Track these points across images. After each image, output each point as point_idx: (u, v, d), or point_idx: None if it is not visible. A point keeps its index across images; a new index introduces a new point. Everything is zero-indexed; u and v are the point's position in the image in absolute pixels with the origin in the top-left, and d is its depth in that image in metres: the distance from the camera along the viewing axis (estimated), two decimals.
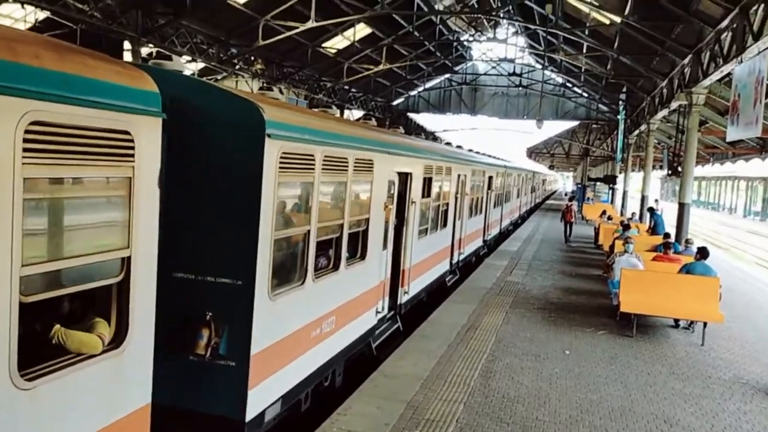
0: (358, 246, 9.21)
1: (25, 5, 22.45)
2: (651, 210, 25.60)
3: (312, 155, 7.11)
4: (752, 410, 8.79)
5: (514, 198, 33.94)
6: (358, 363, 9.97)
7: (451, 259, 16.83)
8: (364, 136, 9.31)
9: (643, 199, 31.15)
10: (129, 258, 4.46)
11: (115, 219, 4.49)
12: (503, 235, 28.97)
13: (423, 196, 12.68)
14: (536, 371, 9.71)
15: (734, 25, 15.07)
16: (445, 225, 15.38)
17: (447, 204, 15.40)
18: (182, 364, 5.94)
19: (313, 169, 7.20)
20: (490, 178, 23.19)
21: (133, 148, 4.42)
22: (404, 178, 11.40)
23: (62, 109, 3.81)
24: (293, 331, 7.06)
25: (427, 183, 12.96)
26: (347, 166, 8.26)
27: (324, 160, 7.38)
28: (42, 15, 25.18)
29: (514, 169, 33.85)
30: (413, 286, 12.58)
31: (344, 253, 8.46)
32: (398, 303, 11.82)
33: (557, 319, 13.20)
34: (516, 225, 35.47)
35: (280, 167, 6.31)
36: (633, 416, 8.19)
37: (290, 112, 7.11)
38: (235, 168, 6.09)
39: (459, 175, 16.52)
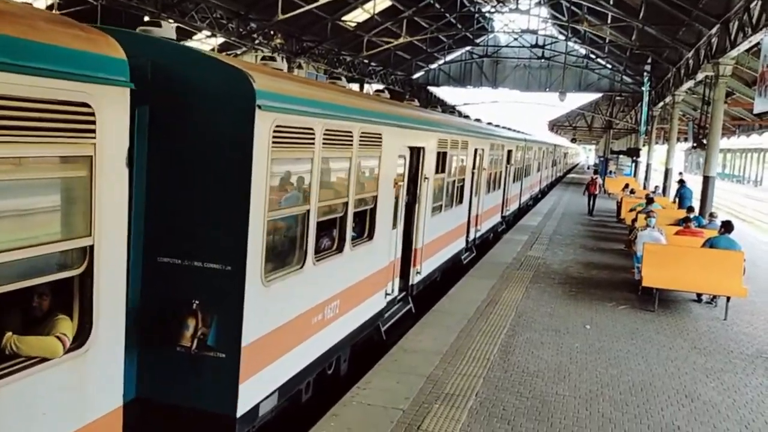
0: (365, 225, 8.75)
1: None
2: (681, 182, 25.13)
3: (311, 129, 6.59)
4: None
5: (534, 172, 33.01)
6: (368, 346, 9.77)
7: (467, 236, 16.33)
8: (371, 109, 8.78)
9: (667, 172, 30.80)
10: (92, 247, 4.01)
11: (73, 203, 4.01)
12: (522, 211, 28.27)
13: (437, 172, 12.15)
14: (556, 346, 9.71)
15: None
16: (461, 201, 14.79)
17: (463, 179, 14.80)
18: (168, 356, 5.45)
19: (313, 143, 6.67)
20: (509, 151, 22.49)
21: (93, 122, 3.94)
22: (416, 152, 10.84)
23: (2, 78, 3.35)
24: (291, 318, 6.58)
25: (442, 158, 12.42)
26: (352, 141, 7.72)
27: (325, 134, 6.88)
28: None
29: (535, 143, 32.76)
30: (426, 266, 12.04)
31: (349, 234, 7.98)
32: (410, 284, 11.31)
33: (578, 293, 13.15)
34: (536, 200, 34.68)
35: (274, 142, 5.79)
36: (654, 391, 8.17)
37: (286, 81, 6.58)
38: (223, 143, 5.56)
39: (476, 150, 15.96)
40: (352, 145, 7.73)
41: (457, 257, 15.29)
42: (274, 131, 5.78)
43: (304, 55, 32.99)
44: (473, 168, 15.80)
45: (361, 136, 7.93)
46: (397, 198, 9.80)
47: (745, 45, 16.74)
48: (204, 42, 31.12)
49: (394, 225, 9.86)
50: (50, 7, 22.57)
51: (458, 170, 14.23)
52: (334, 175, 7.68)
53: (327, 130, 6.90)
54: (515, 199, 25.79)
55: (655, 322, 11.46)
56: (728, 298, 12.11)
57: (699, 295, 13.19)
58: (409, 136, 10.20)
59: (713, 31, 20.23)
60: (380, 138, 8.70)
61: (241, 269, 5.51)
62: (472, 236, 16.90)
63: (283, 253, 6.64)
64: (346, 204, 7.81)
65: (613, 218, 27.00)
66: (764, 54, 14.45)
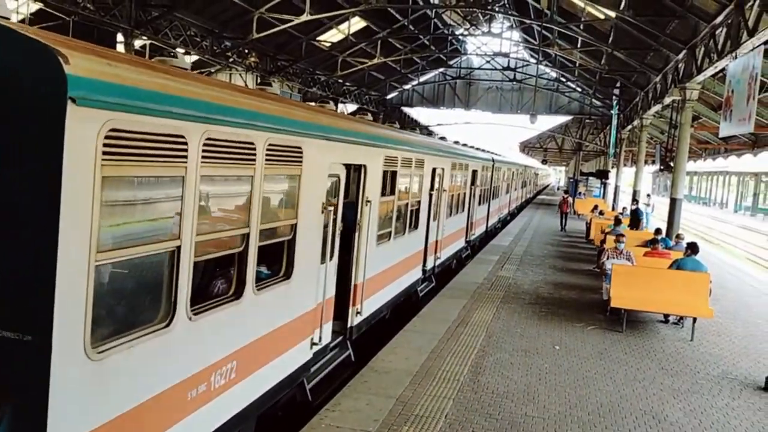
0: (280, 261, 7.01)
1: None
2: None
3: (182, 137, 4.85)
4: (740, 406, 8.84)
5: (502, 193, 31.81)
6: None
7: (425, 265, 14.73)
8: (286, 115, 6.84)
9: (635, 193, 31.25)
10: None
11: None
12: (490, 234, 27.35)
13: (384, 194, 10.61)
14: (526, 366, 9.73)
15: (729, 21, 15.11)
16: (415, 227, 13.28)
17: (419, 202, 13.38)
18: None
19: (185, 157, 4.92)
20: (474, 172, 20.99)
21: None
22: (356, 171, 9.44)
23: None
24: (146, 398, 4.78)
25: (390, 178, 11.03)
26: (255, 155, 5.96)
27: (206, 145, 5.14)
28: (35, 6, 25.05)
29: (503, 163, 31.49)
30: (370, 304, 10.38)
31: (252, 274, 6.15)
32: (348, 326, 9.64)
33: (547, 314, 13.23)
34: (505, 222, 33.97)
35: (108, 154, 4.10)
36: (621, 412, 8.22)
37: (135, 68, 4.56)
38: (19, 152, 3.83)
39: (434, 169, 14.46)
40: (254, 160, 5.98)
41: (413, 289, 13.80)
42: (107, 138, 4.09)
43: (278, 74, 33.02)
44: (431, 189, 14.41)
45: (269, 150, 6.20)
46: (326, 226, 8.06)
47: (711, 70, 17.15)
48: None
49: (324, 258, 8.14)
50: (22, 22, 22.32)
51: (412, 192, 12.91)
52: (225, 199, 6.11)
53: (209, 139, 5.19)
54: (481, 223, 24.69)
55: (623, 342, 11.56)
56: (695, 319, 12.28)
57: (666, 316, 13.36)
58: (344, 151, 8.51)
59: (680, 56, 20.72)
60: (300, 152, 6.98)
61: (46, 339, 3.85)
62: (430, 264, 15.39)
63: (131, 309, 4.90)
64: (246, 236, 6.03)
65: (583, 239, 27.31)
66: (729, 79, 14.81)
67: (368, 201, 9.64)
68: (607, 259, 14.79)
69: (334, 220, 8.39)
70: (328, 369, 8.75)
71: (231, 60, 30.40)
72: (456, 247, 18.97)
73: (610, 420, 7.92)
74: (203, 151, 5.14)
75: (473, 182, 20.77)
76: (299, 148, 6.98)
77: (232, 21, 27.44)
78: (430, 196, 14.38)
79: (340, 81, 40.57)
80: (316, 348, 8.08)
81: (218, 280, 6.12)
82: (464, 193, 19.29)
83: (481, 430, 7.31)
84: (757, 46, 13.17)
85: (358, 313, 9.82)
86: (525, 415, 7.85)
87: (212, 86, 5.67)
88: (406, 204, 12.54)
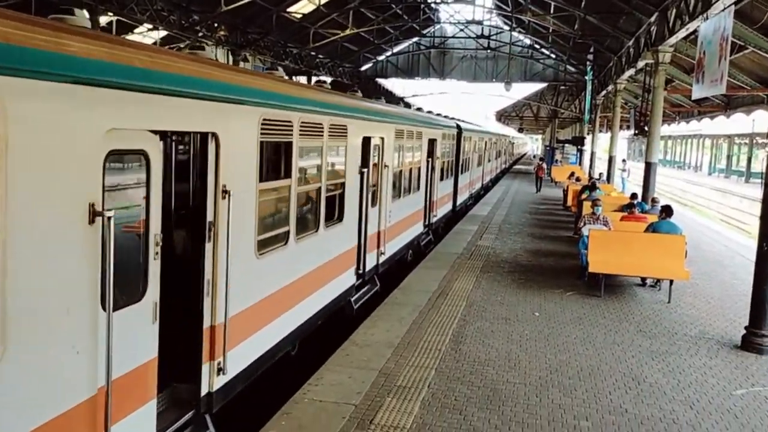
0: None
1: None
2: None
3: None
4: (717, 365, 8.97)
5: (473, 166, 28.44)
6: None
7: (360, 265, 11.55)
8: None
9: (611, 159, 31.44)
10: None
11: None
12: (459, 214, 24.19)
13: (264, 179, 7.28)
14: (506, 334, 9.78)
15: None
16: (340, 219, 10.22)
17: (342, 185, 10.23)
18: None
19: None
20: (432, 141, 17.76)
21: None
22: (195, 140, 7.00)
23: None
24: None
25: (272, 152, 7.74)
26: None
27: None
28: None
29: (473, 132, 28.08)
30: (256, 343, 7.39)
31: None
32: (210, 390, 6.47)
33: (527, 281, 13.30)
34: (478, 197, 30.76)
35: None
36: (601, 375, 8.31)
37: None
38: None
39: (367, 139, 11.33)
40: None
41: (342, 300, 10.69)
42: None
43: (249, 48, 32.48)
44: (362, 166, 11.16)
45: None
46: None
47: (683, 33, 17.14)
48: (146, 35, 30.33)
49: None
50: None
51: (328, 172, 9.54)
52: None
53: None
54: (446, 201, 21.51)
55: (602, 307, 11.67)
56: (671, 282, 12.43)
57: (643, 279, 13.51)
58: (160, 108, 5.25)
59: (652, 19, 20.69)
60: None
61: None
62: (372, 263, 12.28)
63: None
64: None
65: (560, 206, 27.47)
66: (701, 41, 14.81)
67: (226, 192, 6.27)
68: (584, 225, 14.86)
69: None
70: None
71: (200, 35, 29.80)
72: (410, 235, 15.73)
73: (590, 383, 8.00)
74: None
75: (431, 154, 17.69)
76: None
77: None
78: (362, 174, 11.14)
79: (313, 53, 40.04)
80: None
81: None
82: (418, 168, 16.20)
83: (463, 398, 7.35)
84: (728, 6, 13.15)
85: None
86: (506, 382, 7.90)
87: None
88: (318, 190, 9.13)
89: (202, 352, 6.23)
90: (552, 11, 31.11)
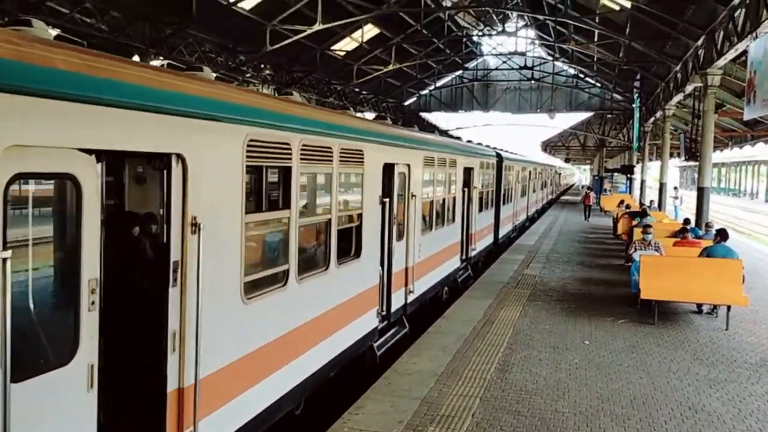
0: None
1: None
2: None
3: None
4: None
5: (516, 197, 27.15)
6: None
7: (385, 306, 10.39)
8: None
9: (662, 186, 30.70)
10: None
11: None
12: (502, 247, 22.81)
13: (256, 208, 6.77)
14: (555, 363, 9.45)
15: (747, 1, 14.73)
16: (357, 255, 8.96)
17: (360, 216, 9.06)
18: None
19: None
20: (468, 170, 16.56)
21: None
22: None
23: None
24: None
25: (284, 179, 6.97)
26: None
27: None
28: (53, 32, 25.43)
29: (515, 161, 26.79)
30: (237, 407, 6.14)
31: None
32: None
33: (576, 309, 12.91)
34: (522, 229, 29.47)
35: None
36: (656, 404, 7.92)
37: None
38: None
39: (389, 166, 10.18)
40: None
41: (363, 345, 9.45)
42: None
43: (294, 86, 33.08)
44: (384, 196, 9.86)
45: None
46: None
47: (732, 54, 16.73)
48: None
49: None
50: None
51: (332, 201, 8.11)
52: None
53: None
54: (486, 234, 20.16)
55: (655, 334, 11.21)
56: (729, 308, 11.89)
57: (699, 305, 12.97)
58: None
59: (699, 42, 20.29)
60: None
61: None
62: (399, 303, 11.00)
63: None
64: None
65: (610, 235, 26.83)
66: (751, 61, 14.41)
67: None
68: (635, 251, 14.42)
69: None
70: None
71: (248, 75, 30.50)
72: (445, 271, 14.41)
73: (644, 412, 7.62)
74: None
75: (467, 183, 16.52)
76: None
77: (246, 35, 27.53)
78: (383, 204, 9.88)
79: (357, 90, 40.54)
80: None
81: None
82: (453, 199, 14.95)
83: (509, 427, 7.07)
84: None
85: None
86: (555, 411, 7.59)
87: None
88: (327, 222, 8.05)
89: (165, 422, 5.03)
90: (596, 39, 30.84)
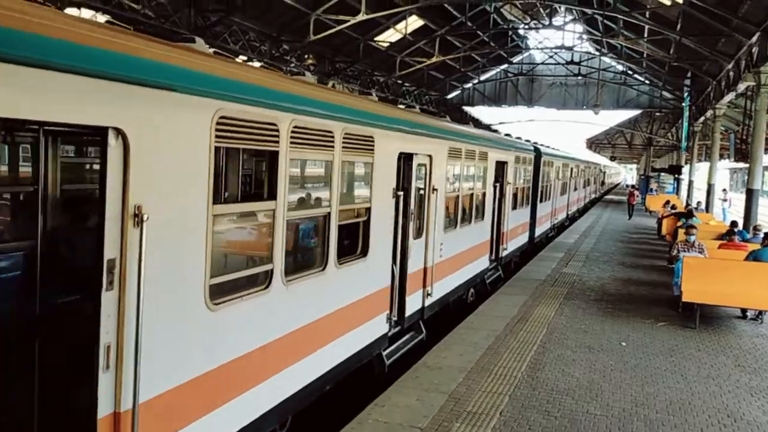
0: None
1: (81, 8, 23.02)
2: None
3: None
4: None
5: (556, 194, 26.06)
6: None
7: (396, 311, 9.55)
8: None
9: (710, 188, 29.81)
10: None
11: None
12: (537, 246, 21.92)
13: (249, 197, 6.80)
14: (589, 363, 9.20)
15: None
16: (364, 253, 8.12)
17: (367, 210, 8.20)
18: None
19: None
20: (502, 164, 15.67)
21: None
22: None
23: None
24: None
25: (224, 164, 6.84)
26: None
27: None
28: (102, 18, 25.87)
29: (555, 157, 25.69)
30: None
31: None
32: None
33: (614, 310, 12.59)
34: (561, 229, 28.51)
35: None
36: (693, 410, 7.63)
37: None
38: None
39: (407, 156, 9.46)
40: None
41: (369, 354, 8.56)
42: None
43: (336, 76, 33.06)
44: (396, 189, 9.00)
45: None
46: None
47: None
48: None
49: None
50: None
51: (332, 193, 7.18)
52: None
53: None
54: (520, 232, 19.16)
55: (696, 339, 10.85)
56: None
57: (744, 310, 12.52)
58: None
59: (753, 39, 19.55)
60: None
61: None
62: (416, 306, 10.24)
63: None
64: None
65: (654, 236, 26.20)
66: None
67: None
68: (678, 252, 13.99)
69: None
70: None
71: (293, 65, 30.59)
72: (471, 272, 13.54)
73: (680, 418, 7.35)
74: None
75: (499, 178, 15.57)
76: None
77: (290, 24, 27.60)
78: (398, 198, 9.05)
79: (399, 81, 40.33)
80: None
81: None
82: (482, 194, 14.03)
83: (538, 427, 6.89)
84: None
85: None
86: (587, 413, 7.37)
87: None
88: (326, 217, 7.12)
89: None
90: (646, 35, 30.04)
